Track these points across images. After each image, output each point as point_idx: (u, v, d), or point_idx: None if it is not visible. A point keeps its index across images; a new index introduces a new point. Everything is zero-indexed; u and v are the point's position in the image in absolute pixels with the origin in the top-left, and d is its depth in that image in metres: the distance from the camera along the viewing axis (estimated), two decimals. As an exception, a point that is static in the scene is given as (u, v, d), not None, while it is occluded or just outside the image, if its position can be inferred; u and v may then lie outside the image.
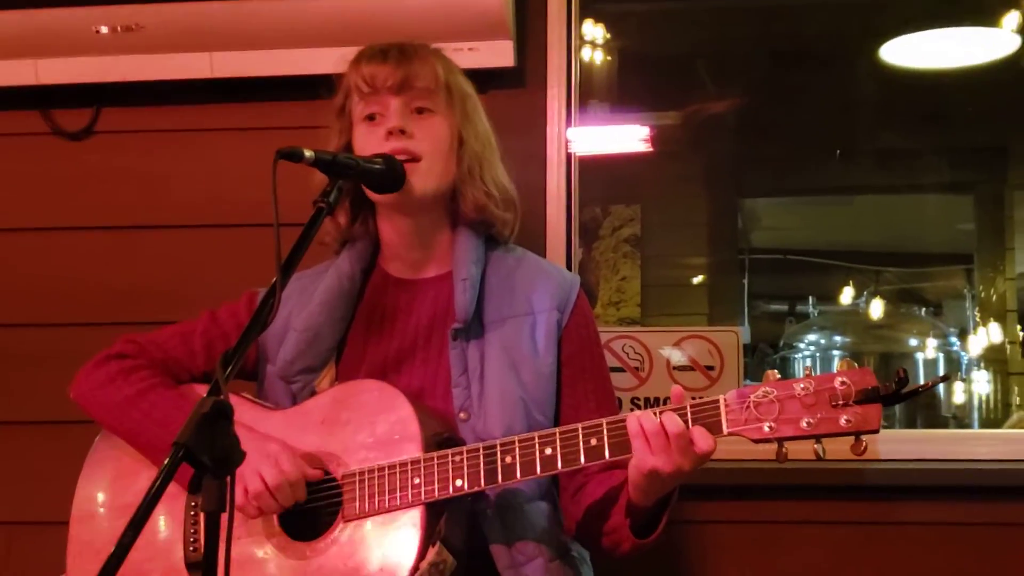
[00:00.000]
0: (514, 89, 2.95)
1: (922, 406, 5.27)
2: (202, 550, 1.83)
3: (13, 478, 2.98)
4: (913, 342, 5.85)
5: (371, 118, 2.38)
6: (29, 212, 3.15)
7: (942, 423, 5.40)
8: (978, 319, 5.87)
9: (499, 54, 2.93)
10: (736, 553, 2.96)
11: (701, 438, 2.03)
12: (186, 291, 2.79)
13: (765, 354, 6.09)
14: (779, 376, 2.06)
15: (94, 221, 3.12)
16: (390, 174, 2.31)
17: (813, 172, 5.82)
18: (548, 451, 2.16)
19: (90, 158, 3.15)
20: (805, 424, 2.02)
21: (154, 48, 2.99)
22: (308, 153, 2.13)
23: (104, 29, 2.92)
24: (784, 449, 2.06)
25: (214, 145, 3.08)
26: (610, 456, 2.11)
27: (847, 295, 6.42)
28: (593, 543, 2.35)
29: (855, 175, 5.83)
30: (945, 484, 2.94)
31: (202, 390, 1.89)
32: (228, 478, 1.78)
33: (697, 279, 5.72)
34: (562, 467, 2.15)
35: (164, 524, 2.37)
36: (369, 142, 2.36)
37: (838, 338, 5.93)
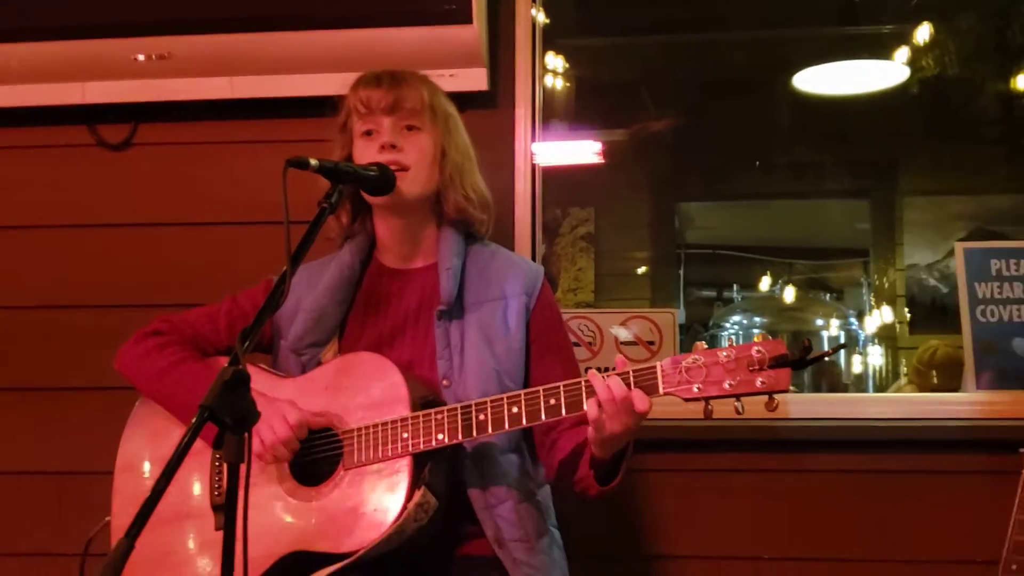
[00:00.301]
0: (487, 109, 2.97)
1: (826, 374, 5.30)
2: (224, 495, 1.87)
3: (68, 435, 2.99)
4: (819, 322, 5.88)
5: (368, 133, 2.40)
6: (78, 212, 3.15)
7: (842, 389, 5.42)
8: (873, 303, 5.89)
9: (474, 80, 2.95)
10: (673, 497, 2.99)
11: (639, 399, 2.06)
12: (211, 279, 2.79)
13: (697, 332, 6.08)
14: (707, 347, 2.08)
15: (133, 219, 3.13)
16: (383, 180, 2.34)
17: (737, 180, 5.83)
18: (515, 409, 2.19)
19: (129, 166, 3.15)
20: (727, 385, 2.05)
21: (183, 73, 2.99)
22: (313, 162, 2.17)
23: (141, 57, 2.92)
24: (710, 407, 2.09)
25: (233, 155, 3.09)
26: (566, 413, 2.15)
27: (765, 283, 6.42)
28: (568, 489, 2.37)
29: (772, 183, 5.86)
30: (844, 439, 2.97)
31: (224, 361, 1.90)
32: (246, 435, 1.81)
33: (641, 270, 5.74)
34: (526, 422, 2.18)
35: (193, 474, 2.39)
36: (366, 154, 2.38)
37: (757, 319, 5.94)
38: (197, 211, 3.10)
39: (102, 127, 3.15)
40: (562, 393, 2.15)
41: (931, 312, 5.41)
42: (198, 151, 3.12)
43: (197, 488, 2.39)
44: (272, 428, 2.24)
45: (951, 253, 3.12)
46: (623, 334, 3.14)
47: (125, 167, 3.15)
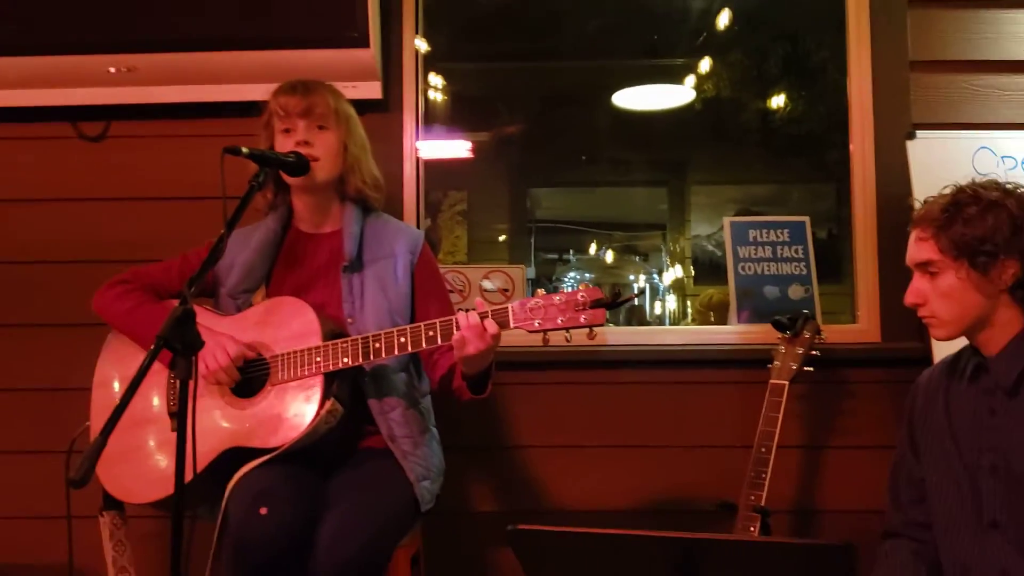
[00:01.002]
0: (382, 113, 2.91)
1: (635, 314, 5.36)
2: (177, 405, 1.86)
3: (57, 360, 2.92)
4: (631, 277, 5.95)
5: (286, 131, 2.37)
6: (63, 188, 3.05)
7: (646, 324, 5.50)
8: (668, 263, 5.98)
9: (371, 91, 2.89)
10: (521, 403, 2.99)
11: (491, 326, 2.10)
12: (166, 241, 2.70)
13: (544, 284, 6.13)
14: (544, 293, 2.11)
15: (107, 194, 3.03)
16: (299, 165, 2.33)
17: (571, 172, 5.85)
18: (402, 339, 2.19)
19: (103, 154, 3.05)
20: (559, 321, 2.09)
21: (146, 82, 2.89)
22: (245, 149, 2.18)
23: (112, 69, 2.80)
24: (547, 337, 2.12)
25: (184, 146, 3.00)
26: (441, 342, 2.16)
27: (592, 249, 6.48)
28: (447, 395, 2.37)
29: (596, 174, 5.90)
30: (646, 359, 2.99)
31: (176, 303, 1.87)
32: (193, 358, 1.83)
33: (502, 238, 5.73)
34: (411, 349, 2.19)
35: (153, 389, 2.35)
36: (285, 147, 2.35)
37: (587, 275, 5.97)
38: (156, 189, 3.02)
39: (82, 123, 3.04)
40: (438, 327, 2.17)
41: (709, 269, 5.50)
42: (157, 142, 3.03)
43: (156, 400, 2.34)
44: (215, 356, 2.22)
45: (723, 227, 3.15)
46: (486, 284, 3.13)
47: (100, 155, 3.05)
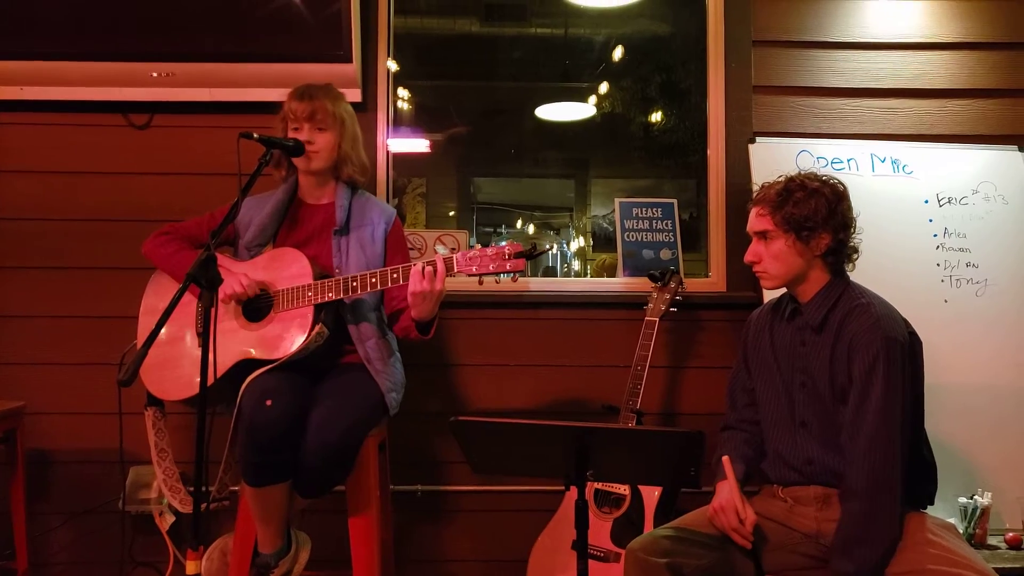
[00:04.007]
0: (361, 114, 2.80)
1: (549, 274, 5.34)
2: (203, 327, 1.83)
3: (115, 294, 2.83)
4: (547, 245, 5.94)
5: (295, 129, 2.31)
6: (117, 164, 2.94)
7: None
8: (575, 235, 5.97)
9: (353, 96, 2.79)
10: (462, 333, 2.96)
11: (439, 271, 2.11)
12: (196, 205, 2.61)
13: (480, 250, 6.07)
14: (480, 247, 2.09)
15: (151, 170, 2.93)
16: (296, 148, 2.29)
17: (505, 165, 5.74)
18: (374, 280, 2.16)
19: (148, 139, 2.94)
20: (491, 267, 2.08)
21: (182, 84, 2.80)
22: (255, 135, 2.15)
23: (155, 74, 2.71)
24: (481, 281, 2.10)
25: (210, 134, 2.91)
26: (402, 282, 2.13)
27: (519, 225, 6.46)
28: (402, 333, 2.34)
29: (523, 168, 5.80)
30: (557, 302, 2.98)
31: None
32: (216, 292, 1.85)
33: (451, 214, 5.66)
34: (380, 287, 2.16)
35: (185, 316, 2.29)
36: None
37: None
38: (188, 166, 2.92)
39: (132, 115, 2.93)
40: (400, 271, 2.14)
41: (604, 241, 5.47)
42: (190, 131, 2.93)
43: (188, 324, 2.29)
44: (233, 286, 2.17)
45: (615, 208, 3.15)
46: (440, 248, 3.08)
47: (146, 140, 2.94)
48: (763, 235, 2.06)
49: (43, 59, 2.68)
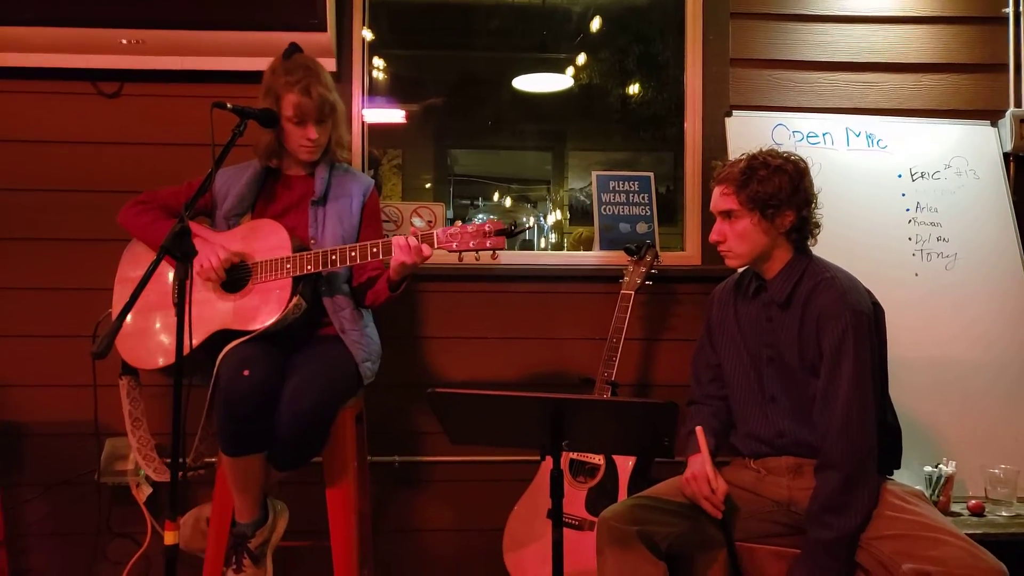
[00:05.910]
0: (336, 84, 2.74)
1: (527, 247, 5.35)
2: (178, 297, 1.82)
3: (89, 264, 2.81)
4: (524, 218, 5.93)
5: (299, 123, 2.29)
6: (87, 133, 2.89)
7: (535, 252, 5.51)
8: (552, 208, 5.97)
9: (328, 65, 2.70)
10: (441, 307, 2.97)
11: (426, 249, 2.12)
12: (171, 173, 2.60)
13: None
14: (462, 223, 2.09)
15: (123, 139, 2.88)
16: (268, 117, 2.27)
17: (482, 137, 5.69)
18: (353, 254, 2.16)
19: (118, 109, 2.89)
20: (472, 244, 2.09)
21: (152, 52, 2.75)
22: (229, 105, 2.09)
23: (125, 41, 2.66)
24: (461, 256, 2.11)
25: (182, 103, 2.87)
26: (382, 256, 2.14)
27: (496, 197, 6.43)
28: (373, 300, 2.34)
29: (500, 139, 5.74)
30: (534, 275, 2.99)
31: None
32: (191, 264, 1.83)
33: (428, 186, 5.63)
34: (359, 261, 2.16)
35: (162, 285, 2.28)
36: (295, 135, 2.31)
37: (492, 216, 5.91)
38: (160, 136, 2.88)
39: (101, 83, 2.88)
40: (380, 246, 2.14)
41: (580, 214, 5.48)
42: (161, 100, 2.88)
43: (165, 292, 2.29)
44: (208, 259, 2.17)
45: (592, 181, 3.16)
46: (416, 221, 3.07)
47: (116, 108, 2.89)
48: (727, 214, 2.08)
49: (7, 24, 2.61)
